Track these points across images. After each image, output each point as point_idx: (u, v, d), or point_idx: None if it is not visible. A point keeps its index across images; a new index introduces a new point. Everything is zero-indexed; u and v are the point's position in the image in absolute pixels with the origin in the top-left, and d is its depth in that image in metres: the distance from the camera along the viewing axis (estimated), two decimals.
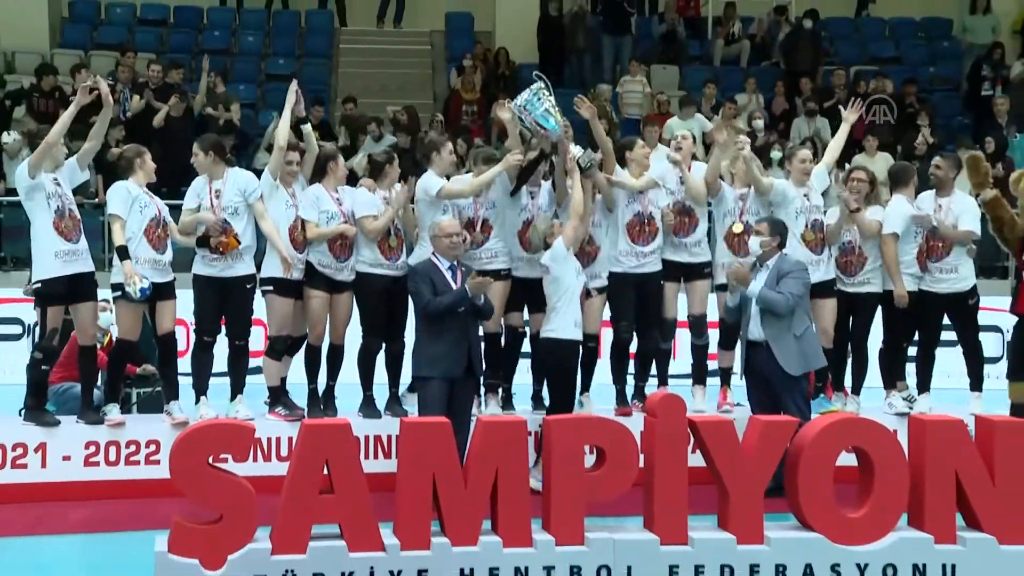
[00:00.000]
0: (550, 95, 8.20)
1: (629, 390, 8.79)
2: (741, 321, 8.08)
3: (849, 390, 9.03)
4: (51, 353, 8.25)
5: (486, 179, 8.31)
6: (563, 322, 7.91)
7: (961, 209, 8.87)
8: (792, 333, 7.79)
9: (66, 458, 8.11)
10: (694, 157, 9.23)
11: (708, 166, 8.84)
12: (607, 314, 8.82)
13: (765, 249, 7.96)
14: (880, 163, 14.76)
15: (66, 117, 8.17)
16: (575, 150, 8.17)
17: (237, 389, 8.42)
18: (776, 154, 14.40)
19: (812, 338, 7.96)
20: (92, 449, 8.15)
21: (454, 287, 7.62)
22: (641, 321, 8.71)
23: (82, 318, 8.23)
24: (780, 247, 8.01)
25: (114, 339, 8.75)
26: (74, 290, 8.08)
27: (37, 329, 9.17)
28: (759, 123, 15.84)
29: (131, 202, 8.13)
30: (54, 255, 7.98)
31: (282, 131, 8.35)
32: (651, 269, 8.65)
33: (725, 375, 9.00)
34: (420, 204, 8.39)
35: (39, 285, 8.10)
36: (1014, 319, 8.87)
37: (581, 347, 8.21)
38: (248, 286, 8.39)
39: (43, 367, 8.20)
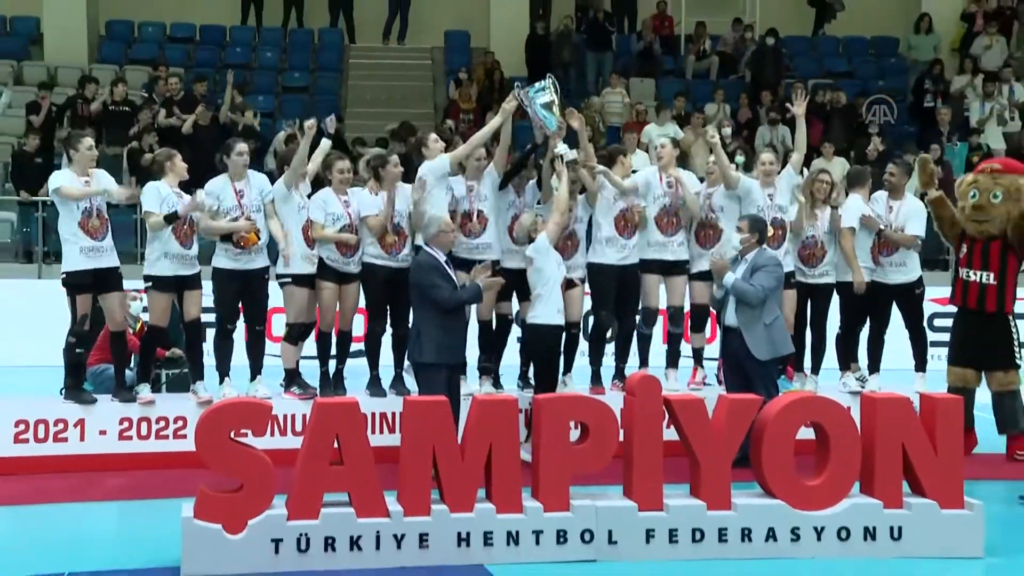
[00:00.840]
0: (556, 95, 8.15)
1: (605, 371, 8.73)
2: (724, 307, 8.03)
3: (808, 371, 9.00)
4: (83, 337, 8.16)
5: (487, 131, 8.33)
6: (546, 309, 7.85)
7: (909, 213, 8.86)
8: (762, 322, 7.74)
9: (102, 432, 8.06)
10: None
11: (689, 202, 8.63)
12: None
13: (745, 245, 7.89)
14: (837, 167, 14.73)
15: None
16: (561, 147, 8.11)
17: (256, 370, 8.37)
18: (739, 159, 14.38)
19: (781, 327, 7.90)
20: (126, 424, 8.10)
21: (454, 278, 7.51)
22: (620, 307, 8.66)
23: (110, 307, 8.16)
24: (759, 243, 7.93)
25: (146, 326, 8.68)
26: (100, 282, 8.01)
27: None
28: (727, 131, 15.81)
29: (161, 201, 8.06)
30: (79, 250, 7.91)
31: (300, 157, 8.22)
32: (631, 261, 8.60)
33: (697, 355, 8.94)
34: (423, 197, 8.20)
35: (65, 276, 8.02)
36: (950, 307, 8.90)
37: (564, 332, 8.16)
38: (264, 277, 8.34)
39: (77, 350, 8.12)
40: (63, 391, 8.24)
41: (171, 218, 7.98)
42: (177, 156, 8.31)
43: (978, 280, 8.54)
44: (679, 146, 9.01)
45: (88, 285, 7.99)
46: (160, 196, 8.07)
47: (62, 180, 7.97)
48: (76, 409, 8.08)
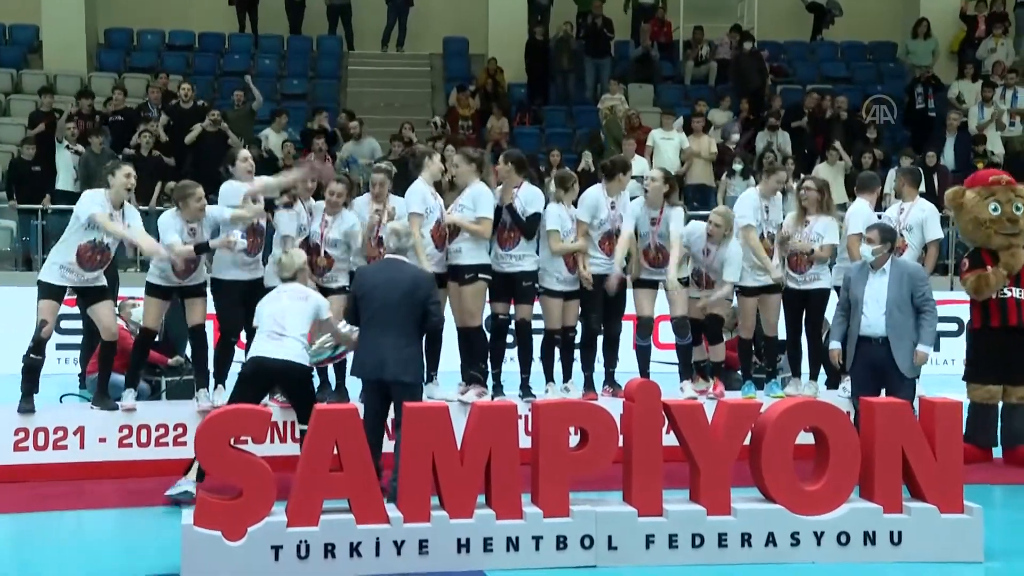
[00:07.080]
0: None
1: (597, 377, 8.72)
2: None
3: (807, 376, 9.00)
4: (40, 343, 7.97)
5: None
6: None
7: (923, 216, 8.85)
8: (911, 339, 7.61)
9: (102, 440, 8.04)
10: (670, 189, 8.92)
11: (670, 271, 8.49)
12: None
13: (877, 256, 7.68)
14: (840, 172, 14.69)
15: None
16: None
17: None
18: (737, 166, 14.39)
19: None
20: (125, 432, 8.08)
21: None
22: (607, 311, 8.61)
23: (100, 316, 8.08)
24: (890, 251, 7.76)
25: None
26: (84, 296, 7.92)
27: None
28: (735, 137, 15.86)
29: (177, 233, 7.95)
30: (59, 266, 7.84)
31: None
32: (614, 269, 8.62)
33: (716, 368, 8.84)
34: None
35: (40, 282, 7.92)
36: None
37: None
38: (263, 287, 8.31)
39: (32, 355, 7.96)
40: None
41: (202, 248, 7.90)
42: (192, 196, 7.97)
43: (1016, 296, 8.42)
44: (670, 181, 8.77)
45: (57, 295, 7.89)
46: (176, 229, 7.92)
47: (95, 208, 7.72)
48: (76, 416, 8.08)
